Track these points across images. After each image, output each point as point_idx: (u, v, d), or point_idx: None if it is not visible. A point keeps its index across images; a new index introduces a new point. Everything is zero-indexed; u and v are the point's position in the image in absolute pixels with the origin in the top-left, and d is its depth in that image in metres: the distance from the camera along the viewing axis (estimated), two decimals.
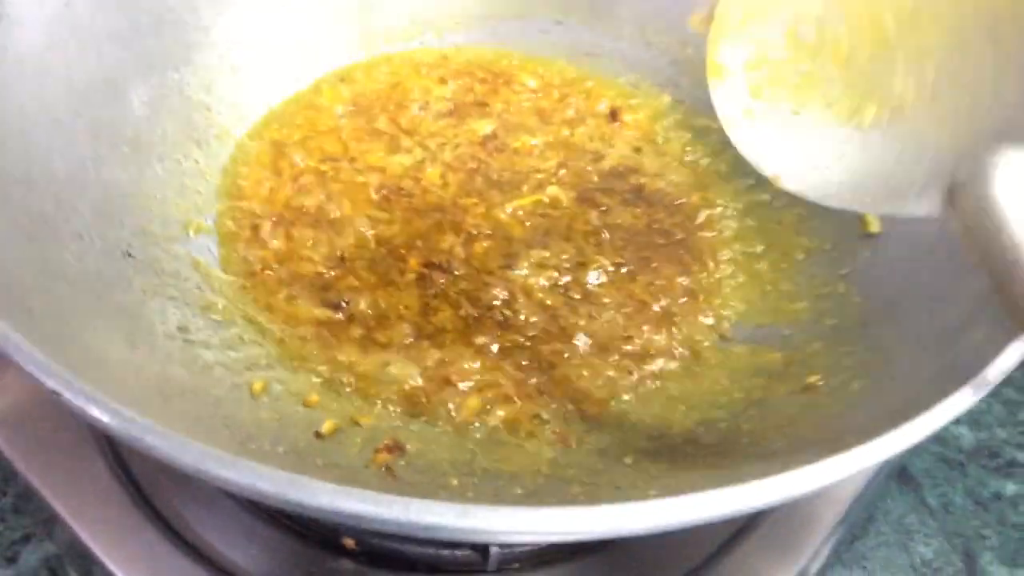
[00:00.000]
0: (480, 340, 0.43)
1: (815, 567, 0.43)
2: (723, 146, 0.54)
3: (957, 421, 0.54)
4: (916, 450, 0.54)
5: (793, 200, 0.49)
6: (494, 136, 0.55)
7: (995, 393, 0.56)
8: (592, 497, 0.35)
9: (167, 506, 0.42)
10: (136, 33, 0.49)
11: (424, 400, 0.41)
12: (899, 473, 0.52)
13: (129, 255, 0.43)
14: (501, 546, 0.39)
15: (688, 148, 0.55)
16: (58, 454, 0.43)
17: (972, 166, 0.31)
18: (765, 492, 0.25)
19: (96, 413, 0.25)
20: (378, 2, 0.60)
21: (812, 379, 0.39)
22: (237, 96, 0.54)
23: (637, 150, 0.55)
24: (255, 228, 0.48)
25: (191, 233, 0.47)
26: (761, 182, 0.52)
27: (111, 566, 0.40)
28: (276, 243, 0.48)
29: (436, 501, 0.23)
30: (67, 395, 0.25)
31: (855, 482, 0.45)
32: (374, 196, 0.50)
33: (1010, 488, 0.52)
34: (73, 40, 0.45)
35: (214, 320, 0.43)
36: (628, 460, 0.38)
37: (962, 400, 0.28)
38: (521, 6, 0.61)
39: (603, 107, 0.57)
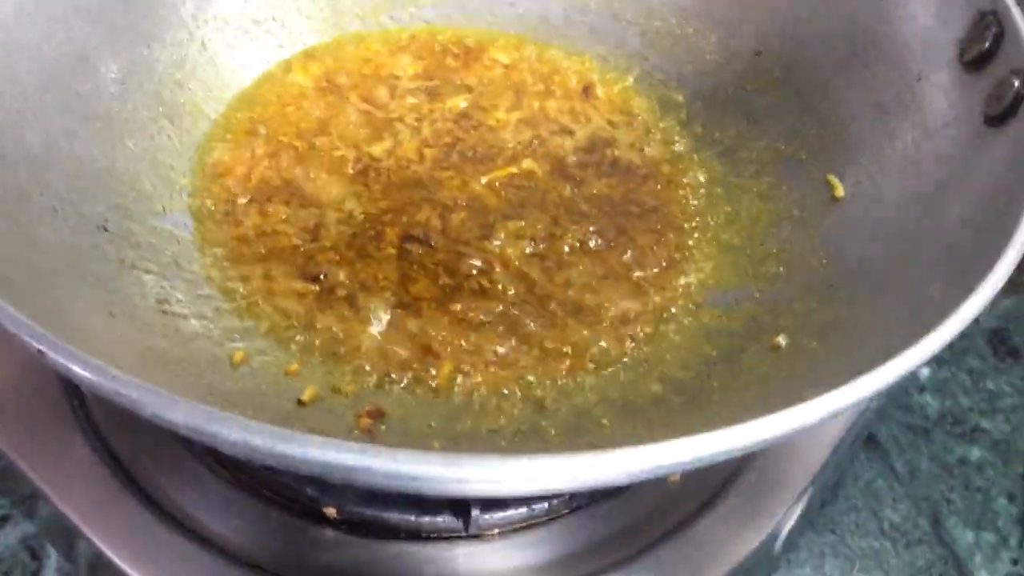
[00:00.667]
0: (458, 308, 0.44)
1: (786, 530, 0.44)
2: (691, 118, 0.55)
3: (923, 389, 0.56)
4: (883, 418, 0.55)
5: (761, 169, 0.51)
6: (468, 112, 0.55)
7: (959, 362, 0.59)
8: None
9: (148, 479, 0.42)
10: (104, 8, 0.49)
11: (404, 367, 0.42)
12: (867, 440, 0.54)
13: (104, 229, 0.42)
14: (483, 506, 0.39)
15: (658, 120, 0.56)
16: (37, 429, 0.43)
17: None
18: (735, 438, 0.26)
19: (81, 371, 0.25)
20: None
21: (779, 338, 0.41)
22: (208, 73, 0.53)
23: (610, 123, 0.55)
24: (231, 203, 0.48)
25: (166, 208, 0.47)
26: (729, 151, 0.53)
27: (94, 539, 0.40)
28: (252, 218, 0.47)
29: (423, 451, 0.24)
30: (51, 354, 0.25)
31: (822, 448, 0.45)
32: (350, 171, 0.50)
33: (974, 453, 0.54)
34: (41, 14, 0.45)
35: (192, 293, 0.43)
36: (604, 421, 0.39)
37: (921, 352, 0.29)
38: None
39: (574, 81, 0.57)
